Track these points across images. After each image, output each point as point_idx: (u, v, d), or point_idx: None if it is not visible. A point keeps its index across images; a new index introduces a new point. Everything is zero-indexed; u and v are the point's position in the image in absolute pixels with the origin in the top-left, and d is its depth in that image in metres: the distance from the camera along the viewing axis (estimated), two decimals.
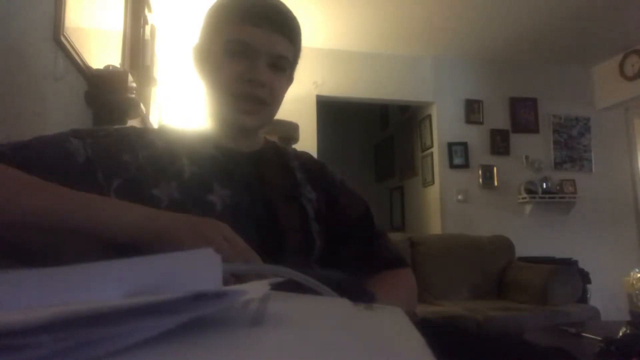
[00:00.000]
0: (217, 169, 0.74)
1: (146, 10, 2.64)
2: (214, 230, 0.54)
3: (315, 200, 0.81)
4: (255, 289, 0.33)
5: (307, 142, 3.64)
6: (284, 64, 0.77)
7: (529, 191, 4.11)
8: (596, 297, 3.52)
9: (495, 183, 4.20)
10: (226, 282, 0.39)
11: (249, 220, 0.71)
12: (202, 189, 0.70)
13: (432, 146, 4.33)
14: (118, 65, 2.00)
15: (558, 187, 4.19)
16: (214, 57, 0.76)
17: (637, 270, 2.51)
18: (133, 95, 1.88)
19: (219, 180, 0.72)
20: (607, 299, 3.55)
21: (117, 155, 0.70)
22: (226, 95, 0.75)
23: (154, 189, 0.68)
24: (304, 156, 0.90)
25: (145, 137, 0.75)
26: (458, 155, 4.20)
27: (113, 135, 0.73)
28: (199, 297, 0.25)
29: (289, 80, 0.83)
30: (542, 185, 4.14)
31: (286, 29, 0.76)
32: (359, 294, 0.51)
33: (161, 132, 0.80)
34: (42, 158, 0.64)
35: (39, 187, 0.57)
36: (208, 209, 0.68)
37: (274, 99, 0.78)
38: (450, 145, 4.21)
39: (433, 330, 0.46)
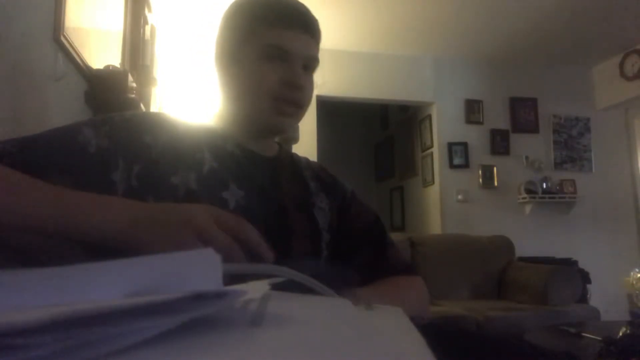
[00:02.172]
0: (235, 169, 0.74)
1: (146, 10, 2.63)
2: (187, 231, 0.50)
3: (328, 210, 0.82)
4: (255, 289, 0.33)
5: (307, 142, 3.65)
6: (314, 65, 0.79)
7: (529, 191, 4.10)
8: (596, 297, 3.52)
9: (495, 183, 4.20)
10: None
11: (258, 223, 0.71)
12: (219, 185, 0.70)
13: (432, 146, 4.33)
14: (118, 65, 2.00)
15: (558, 187, 4.19)
16: (248, 60, 0.75)
17: (637, 270, 2.50)
18: (133, 95, 1.88)
19: (235, 179, 0.72)
20: (607, 299, 3.54)
21: (138, 137, 0.69)
22: (267, 99, 0.75)
23: (172, 177, 0.67)
24: (315, 166, 0.91)
25: (166, 121, 0.75)
26: (458, 155, 4.20)
27: (131, 119, 0.72)
28: (199, 297, 0.25)
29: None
30: (542, 185, 4.14)
31: (313, 29, 0.78)
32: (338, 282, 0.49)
33: (181, 120, 0.79)
34: (48, 155, 0.62)
35: (22, 187, 0.55)
36: (221, 205, 0.68)
37: (308, 101, 0.80)
38: (450, 145, 4.22)
39: (434, 331, 0.46)
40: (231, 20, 0.79)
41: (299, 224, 0.76)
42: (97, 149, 0.65)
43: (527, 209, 4.19)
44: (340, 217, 0.84)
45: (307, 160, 0.91)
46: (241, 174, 0.74)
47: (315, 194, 0.83)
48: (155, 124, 0.72)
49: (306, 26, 0.76)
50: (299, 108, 0.78)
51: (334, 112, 5.16)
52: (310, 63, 0.78)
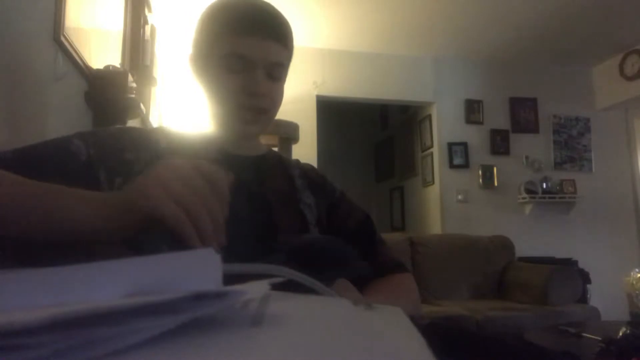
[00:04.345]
0: None
1: (146, 10, 2.63)
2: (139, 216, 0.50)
3: (315, 206, 0.82)
4: (255, 289, 0.33)
5: (307, 142, 3.64)
6: (280, 72, 0.78)
7: (529, 191, 4.11)
8: (596, 297, 3.52)
9: (495, 183, 4.20)
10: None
11: (246, 221, 0.72)
12: None
13: (432, 146, 4.33)
14: (118, 65, 1.99)
15: (558, 187, 4.19)
16: (212, 70, 0.77)
17: (637, 270, 2.51)
18: (133, 95, 1.88)
19: None
20: (607, 299, 3.55)
21: (119, 153, 0.71)
22: (229, 107, 0.77)
23: None
24: (305, 166, 0.91)
25: (148, 137, 0.76)
26: (458, 155, 4.20)
27: (115, 134, 0.74)
28: (199, 297, 0.25)
29: (284, 82, 0.84)
30: (542, 185, 4.14)
31: (278, 34, 0.77)
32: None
33: (164, 132, 0.80)
34: (43, 159, 0.65)
35: (16, 186, 0.56)
36: None
37: (274, 106, 0.81)
38: (450, 145, 4.22)
39: (434, 331, 0.46)
40: (203, 23, 0.80)
41: (286, 219, 0.77)
42: (87, 157, 0.68)
43: (527, 209, 4.19)
44: (329, 216, 0.84)
45: (297, 160, 0.92)
46: None
47: (301, 191, 0.84)
48: (137, 140, 0.74)
49: (269, 32, 0.75)
50: (262, 114, 0.79)
51: (334, 112, 5.16)
52: (275, 70, 0.77)
